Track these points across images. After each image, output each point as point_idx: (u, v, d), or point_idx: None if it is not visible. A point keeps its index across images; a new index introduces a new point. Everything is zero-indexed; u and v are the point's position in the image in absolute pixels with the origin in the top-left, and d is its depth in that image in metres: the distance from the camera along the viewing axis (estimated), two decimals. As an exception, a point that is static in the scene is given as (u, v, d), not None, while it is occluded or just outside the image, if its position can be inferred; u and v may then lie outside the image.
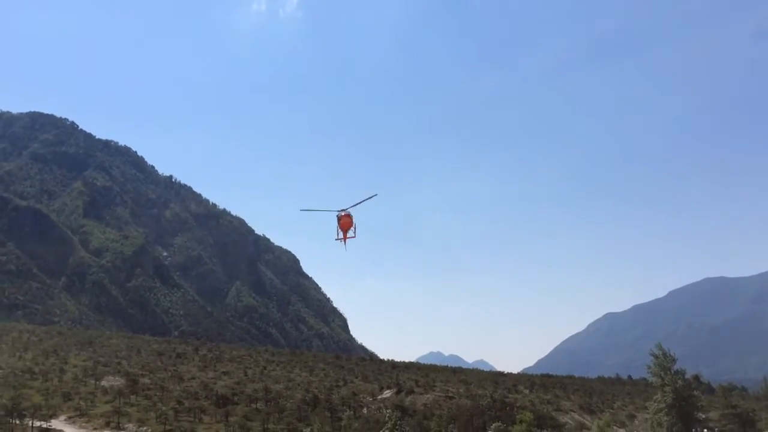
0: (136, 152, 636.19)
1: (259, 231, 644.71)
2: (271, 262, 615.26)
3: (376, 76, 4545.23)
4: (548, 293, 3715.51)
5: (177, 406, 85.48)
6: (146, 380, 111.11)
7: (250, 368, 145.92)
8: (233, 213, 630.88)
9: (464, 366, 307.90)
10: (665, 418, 57.47)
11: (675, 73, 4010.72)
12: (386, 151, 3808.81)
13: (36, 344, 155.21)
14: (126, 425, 77.21)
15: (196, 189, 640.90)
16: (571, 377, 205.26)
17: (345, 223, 32.64)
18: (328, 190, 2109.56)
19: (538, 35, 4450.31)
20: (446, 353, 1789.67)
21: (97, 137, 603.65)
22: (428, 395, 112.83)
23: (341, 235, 32.84)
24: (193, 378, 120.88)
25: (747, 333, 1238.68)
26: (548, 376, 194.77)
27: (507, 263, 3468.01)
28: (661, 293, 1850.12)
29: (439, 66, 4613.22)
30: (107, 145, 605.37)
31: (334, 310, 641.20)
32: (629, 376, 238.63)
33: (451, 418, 76.70)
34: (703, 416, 60.69)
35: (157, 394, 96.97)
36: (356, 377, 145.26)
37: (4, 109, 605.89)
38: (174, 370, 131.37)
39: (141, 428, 75.91)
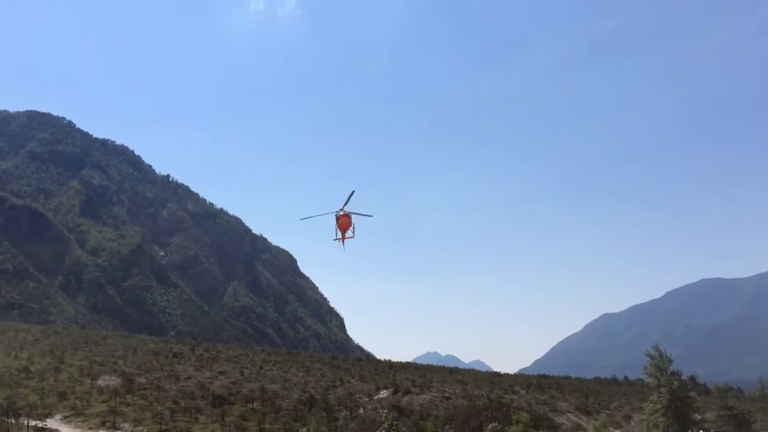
0: (133, 151, 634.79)
1: (256, 231, 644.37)
2: (268, 261, 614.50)
3: (375, 76, 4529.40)
4: (546, 293, 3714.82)
5: (173, 405, 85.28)
6: (142, 380, 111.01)
7: (247, 368, 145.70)
8: (230, 212, 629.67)
9: (461, 366, 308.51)
10: (661, 419, 57.57)
11: (675, 73, 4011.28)
12: (386, 151, 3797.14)
13: (32, 343, 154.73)
14: (122, 425, 77.09)
15: (193, 188, 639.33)
16: (567, 378, 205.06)
17: (344, 223, 32.74)
18: (327, 190, 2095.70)
19: (538, 35, 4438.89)
20: (443, 353, 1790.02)
21: (94, 136, 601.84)
22: (425, 395, 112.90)
23: (340, 235, 32.90)
24: (190, 378, 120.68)
25: (743, 334, 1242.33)
26: (545, 376, 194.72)
27: (506, 263, 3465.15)
28: (657, 294, 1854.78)
29: (439, 66, 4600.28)
30: (104, 144, 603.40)
31: (331, 310, 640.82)
32: (626, 377, 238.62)
33: (448, 419, 76.86)
34: (699, 417, 60.76)
35: (153, 393, 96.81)
36: (353, 377, 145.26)
37: (1, 108, 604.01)
38: (170, 369, 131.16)
39: (137, 428, 75.83)
